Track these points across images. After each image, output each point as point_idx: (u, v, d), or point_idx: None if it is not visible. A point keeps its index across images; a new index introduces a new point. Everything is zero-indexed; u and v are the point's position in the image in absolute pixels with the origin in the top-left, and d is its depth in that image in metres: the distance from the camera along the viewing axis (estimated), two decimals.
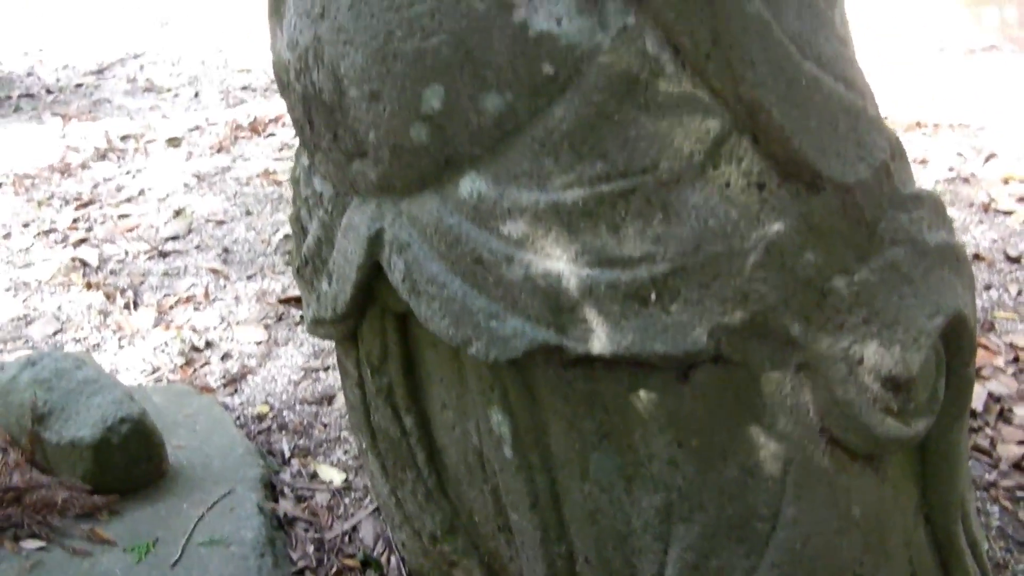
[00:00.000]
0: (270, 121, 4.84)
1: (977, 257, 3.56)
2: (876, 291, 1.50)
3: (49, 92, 5.62)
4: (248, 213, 3.95)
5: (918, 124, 4.84)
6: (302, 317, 3.23)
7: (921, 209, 1.56)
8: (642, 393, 1.50)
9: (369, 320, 1.77)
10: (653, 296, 1.44)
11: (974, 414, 2.69)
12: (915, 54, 5.90)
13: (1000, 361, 2.94)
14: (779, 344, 1.48)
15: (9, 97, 5.63)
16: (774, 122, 1.42)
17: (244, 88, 5.28)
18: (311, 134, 1.64)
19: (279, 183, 4.19)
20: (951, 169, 4.23)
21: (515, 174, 1.45)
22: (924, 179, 4.20)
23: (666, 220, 1.42)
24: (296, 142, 3.95)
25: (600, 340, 1.45)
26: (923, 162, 4.36)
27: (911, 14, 6.53)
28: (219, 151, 4.58)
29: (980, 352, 2.90)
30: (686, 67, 1.42)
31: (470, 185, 1.48)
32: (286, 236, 3.67)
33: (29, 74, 5.95)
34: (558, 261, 1.45)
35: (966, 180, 4.16)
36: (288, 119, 4.76)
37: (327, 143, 1.60)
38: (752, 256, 1.43)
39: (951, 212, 3.91)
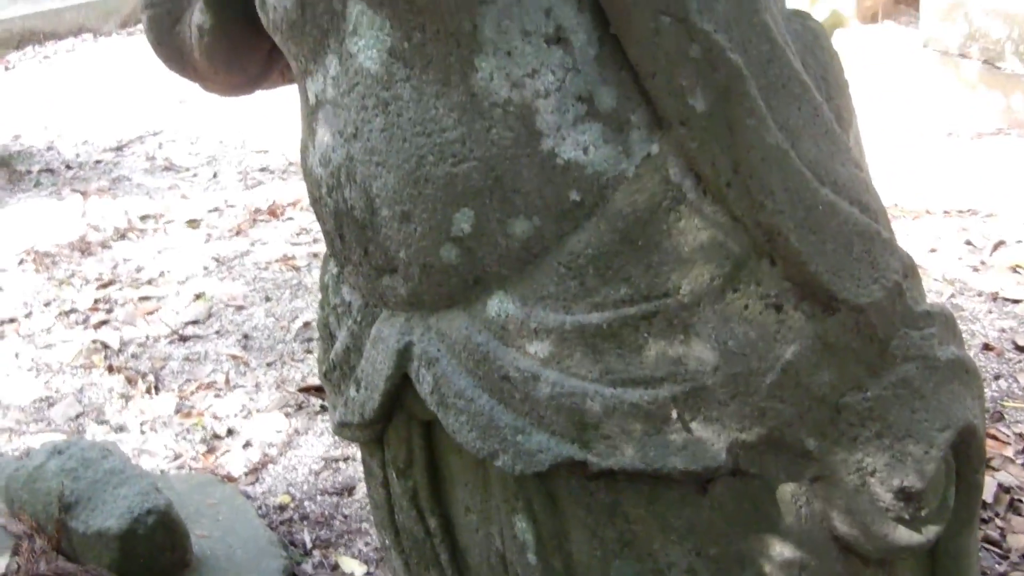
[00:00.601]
0: (288, 205, 4.91)
1: (986, 347, 3.60)
2: (888, 406, 1.55)
3: (69, 168, 5.71)
4: (267, 299, 4.01)
5: (927, 211, 4.89)
6: (322, 406, 3.28)
7: (932, 326, 1.62)
8: (662, 504, 1.55)
9: (395, 425, 1.82)
10: (674, 414, 1.49)
11: (984, 505, 2.72)
12: (922, 138, 5.96)
13: (1010, 451, 2.98)
14: (794, 457, 1.54)
15: (29, 172, 5.71)
16: (792, 247, 1.48)
17: (262, 170, 5.36)
18: (342, 247, 1.70)
19: (297, 268, 4.25)
20: (960, 258, 4.28)
21: (542, 295, 1.51)
22: (933, 268, 4.25)
23: (687, 341, 1.48)
24: (317, 236, 4.01)
25: (623, 455, 1.50)
26: (932, 251, 4.41)
27: (918, 98, 6.60)
28: (238, 234, 4.65)
29: (989, 442, 2.94)
30: (707, 194, 1.48)
31: (498, 305, 1.54)
32: (305, 324, 3.73)
33: (49, 148, 6.04)
34: (583, 380, 1.50)
35: (975, 269, 4.21)
36: (305, 203, 4.84)
37: (358, 257, 1.66)
38: (770, 376, 1.49)
39: (960, 301, 3.96)
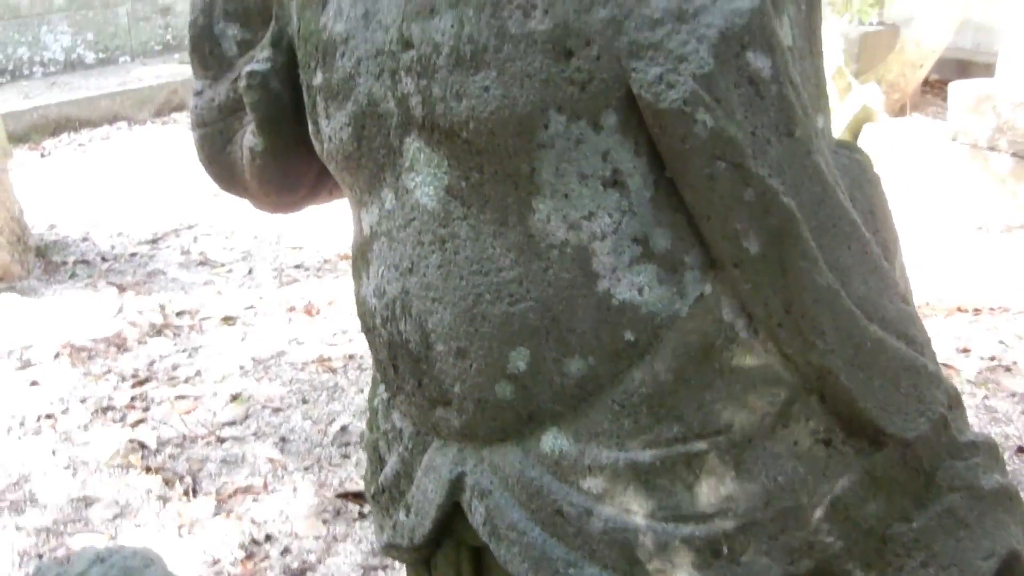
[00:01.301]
0: (323, 305, 4.94)
1: (1020, 450, 3.60)
2: (934, 536, 1.57)
3: (104, 260, 5.76)
4: (304, 401, 4.03)
5: (959, 309, 4.91)
6: (361, 513, 3.29)
7: (976, 455, 1.64)
8: None
9: (444, 550, 1.83)
10: (725, 549, 1.51)
11: None
12: (952, 232, 5.98)
13: None
14: None
15: (65, 263, 5.76)
16: (841, 385, 1.50)
17: (297, 267, 5.40)
18: (395, 377, 1.72)
19: (333, 370, 4.27)
20: (992, 358, 4.29)
21: (595, 432, 1.53)
22: (965, 368, 4.26)
23: (738, 478, 1.50)
24: (352, 337, 4.03)
25: None
26: (965, 351, 4.42)
27: (947, 191, 6.63)
28: (273, 333, 4.68)
29: None
30: (759, 333, 1.51)
31: (552, 441, 1.56)
32: (342, 428, 3.75)
33: (84, 239, 6.10)
34: (635, 516, 1.52)
35: (1008, 369, 4.21)
36: (339, 302, 4.88)
37: (411, 388, 1.68)
38: (819, 510, 1.51)
39: (993, 402, 3.96)
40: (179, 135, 8.52)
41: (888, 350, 1.55)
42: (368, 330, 1.76)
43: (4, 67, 9.54)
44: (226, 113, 2.02)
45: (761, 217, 1.43)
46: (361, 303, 1.77)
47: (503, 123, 1.45)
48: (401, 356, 1.67)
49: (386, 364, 1.73)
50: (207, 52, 2.01)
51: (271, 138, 1.91)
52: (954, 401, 1.65)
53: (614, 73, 1.41)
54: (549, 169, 1.47)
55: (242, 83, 1.87)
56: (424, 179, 1.57)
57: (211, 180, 2.13)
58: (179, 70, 9.96)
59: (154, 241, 5.97)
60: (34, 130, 8.66)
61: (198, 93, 2.06)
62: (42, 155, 8.18)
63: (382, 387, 1.87)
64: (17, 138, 7.91)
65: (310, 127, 1.79)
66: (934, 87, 9.84)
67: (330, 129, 1.70)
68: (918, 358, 1.59)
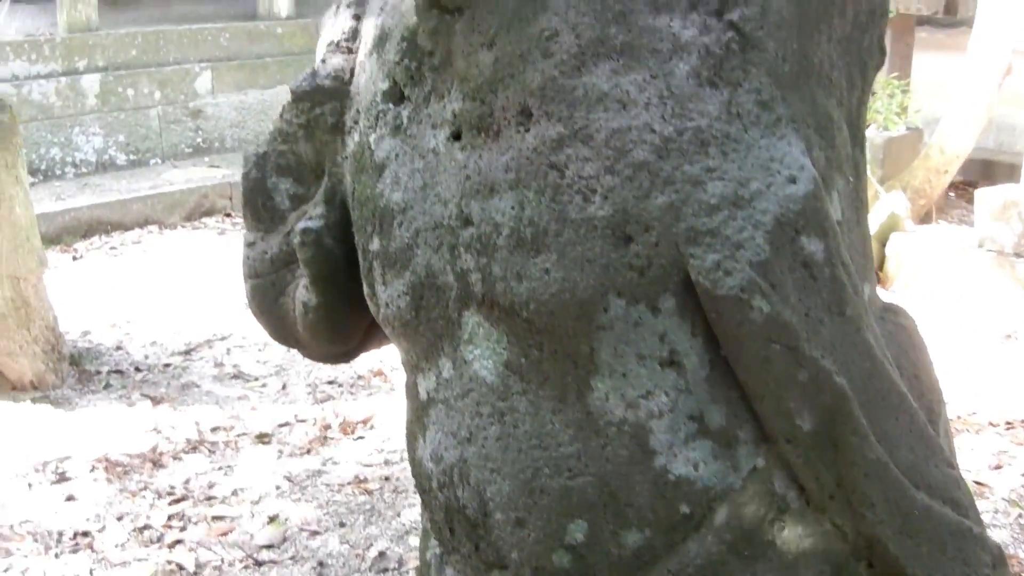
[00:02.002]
0: (358, 423, 4.96)
1: None
2: None
3: (138, 370, 5.79)
4: (341, 524, 4.03)
5: (989, 423, 4.90)
6: None
7: None
8: None
9: None
10: None
11: None
12: (981, 343, 5.98)
13: None
14: None
15: (99, 372, 5.79)
16: (890, 553, 1.53)
17: (330, 382, 5.41)
18: (451, 538, 1.75)
19: (370, 492, 4.28)
20: None
21: None
22: (999, 486, 4.25)
23: None
24: (388, 458, 4.05)
25: None
26: (997, 467, 4.41)
27: (974, 299, 6.64)
28: (308, 452, 4.69)
29: None
30: (810, 504, 1.54)
31: None
32: (380, 553, 3.74)
33: (118, 348, 6.13)
34: None
35: None
36: (375, 421, 4.90)
37: (467, 551, 1.71)
38: None
39: None
40: (209, 240, 8.58)
41: (935, 516, 1.58)
42: (424, 492, 1.79)
43: (36, 167, 9.64)
44: (279, 266, 2.07)
45: (814, 396, 1.47)
46: (417, 464, 1.80)
47: (563, 306, 1.49)
48: (458, 520, 1.70)
49: (442, 526, 1.76)
50: (260, 205, 2.06)
51: (324, 294, 1.95)
52: (998, 560, 1.68)
53: (672, 259, 1.45)
54: (608, 350, 1.50)
55: (296, 240, 1.91)
56: (483, 352, 1.61)
57: (262, 328, 2.15)
58: (209, 174, 10.06)
59: (187, 352, 5.99)
60: (66, 232, 8.73)
61: (250, 244, 2.11)
62: (74, 258, 8.24)
63: (434, 541, 1.90)
64: (49, 240, 7.97)
65: (365, 288, 1.83)
66: (958, 188, 9.87)
67: (387, 296, 1.74)
68: (963, 522, 1.61)
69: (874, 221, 7.37)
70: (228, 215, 9.24)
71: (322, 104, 1.93)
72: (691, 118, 1.44)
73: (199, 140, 10.96)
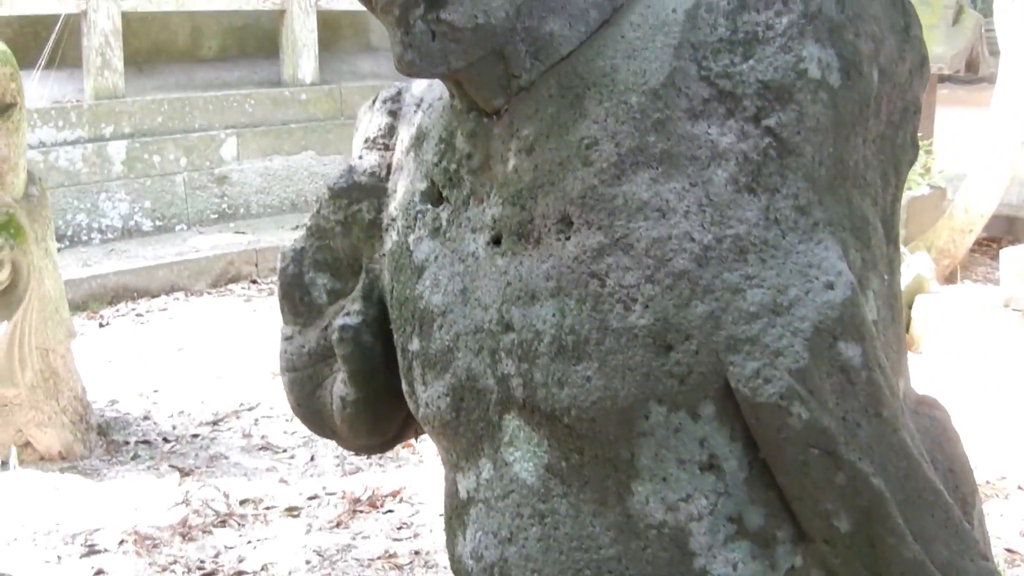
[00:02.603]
0: (387, 496, 4.97)
1: None
2: None
3: (166, 441, 5.82)
4: None
5: (1018, 487, 4.88)
6: None
7: None
8: None
9: None
10: None
11: None
12: (1009, 404, 5.96)
13: None
14: None
15: (127, 443, 5.82)
16: None
17: (358, 455, 5.44)
18: None
19: (400, 567, 4.29)
20: None
21: None
22: None
23: None
24: (418, 531, 4.05)
25: None
26: None
27: (1001, 359, 6.62)
28: (338, 526, 4.70)
29: None
30: None
31: None
32: None
33: (146, 418, 6.16)
34: None
35: None
36: (404, 495, 4.91)
37: None
38: None
39: None
40: (235, 307, 8.64)
41: None
42: None
43: (63, 233, 9.73)
44: (316, 359, 2.08)
45: (852, 498, 1.48)
46: (457, 561, 1.81)
47: (604, 413, 1.50)
48: None
49: None
50: (297, 300, 2.08)
51: (362, 389, 1.97)
52: None
53: (712, 367, 1.46)
54: (648, 455, 1.51)
55: (334, 336, 1.93)
56: (523, 455, 1.63)
57: (286, 387, 2.16)
58: (235, 240, 10.13)
59: (215, 423, 6.02)
60: (92, 298, 8.80)
61: (288, 338, 2.12)
62: (101, 324, 8.30)
63: None
64: (76, 306, 8.03)
65: (404, 386, 1.84)
66: (982, 245, 9.88)
67: (427, 396, 1.75)
68: None
69: (900, 284, 7.37)
70: (254, 282, 9.31)
71: (359, 201, 1.95)
72: (730, 225, 1.46)
73: (224, 206, 11.05)
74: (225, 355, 7.21)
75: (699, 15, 1.51)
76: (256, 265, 9.61)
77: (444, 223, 1.74)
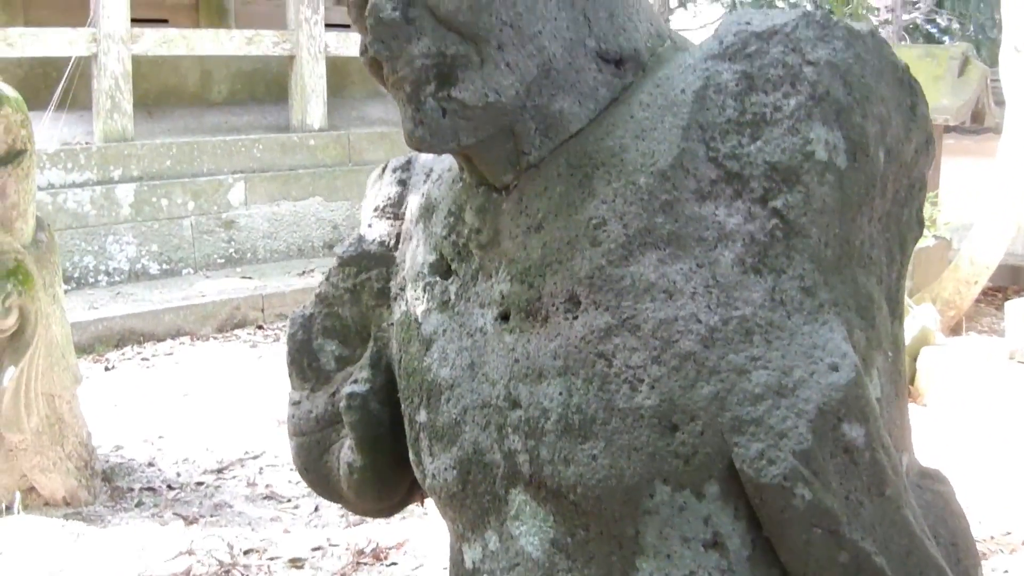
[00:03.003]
0: (390, 548, 4.96)
1: None
2: None
3: (171, 488, 5.82)
4: None
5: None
6: None
7: None
8: None
9: None
10: None
11: None
12: (1015, 458, 5.95)
13: None
14: None
15: (131, 489, 5.82)
16: None
17: None
18: None
19: None
20: None
21: None
22: None
23: None
24: None
25: None
26: None
27: (1007, 413, 6.62)
28: None
29: None
30: None
31: None
32: None
33: (150, 464, 6.16)
34: None
35: None
36: (408, 547, 4.90)
37: None
38: None
39: None
40: (241, 353, 8.65)
41: None
42: None
43: (70, 275, 9.75)
44: (324, 425, 2.10)
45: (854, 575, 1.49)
46: None
47: (610, 491, 1.51)
48: None
49: None
50: (305, 365, 2.09)
51: (369, 456, 1.98)
52: None
53: (717, 447, 1.47)
54: (653, 532, 1.53)
55: (342, 404, 1.95)
56: (529, 529, 1.64)
57: (293, 452, 2.17)
58: (241, 285, 10.15)
59: (220, 471, 6.02)
60: (98, 341, 8.81)
61: (296, 403, 2.14)
62: (106, 368, 8.30)
63: None
64: (82, 349, 8.04)
65: (411, 456, 1.86)
66: (987, 294, 9.89)
67: (434, 467, 1.77)
68: None
69: (905, 335, 7.38)
70: (260, 327, 9.32)
71: (368, 270, 1.97)
72: (736, 307, 1.47)
73: (232, 251, 11.08)
74: (230, 401, 7.21)
75: (708, 96, 1.53)
76: (262, 311, 9.62)
77: (453, 296, 1.76)
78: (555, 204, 1.60)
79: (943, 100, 9.29)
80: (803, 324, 1.48)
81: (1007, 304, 7.62)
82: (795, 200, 1.48)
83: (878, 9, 17.89)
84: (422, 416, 1.79)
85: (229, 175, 11.25)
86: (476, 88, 1.56)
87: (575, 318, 1.55)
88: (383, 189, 2.04)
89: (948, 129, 10.13)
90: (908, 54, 10.26)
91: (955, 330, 8.60)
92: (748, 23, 1.56)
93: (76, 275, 10.07)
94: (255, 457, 6.17)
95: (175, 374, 8.09)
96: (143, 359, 8.60)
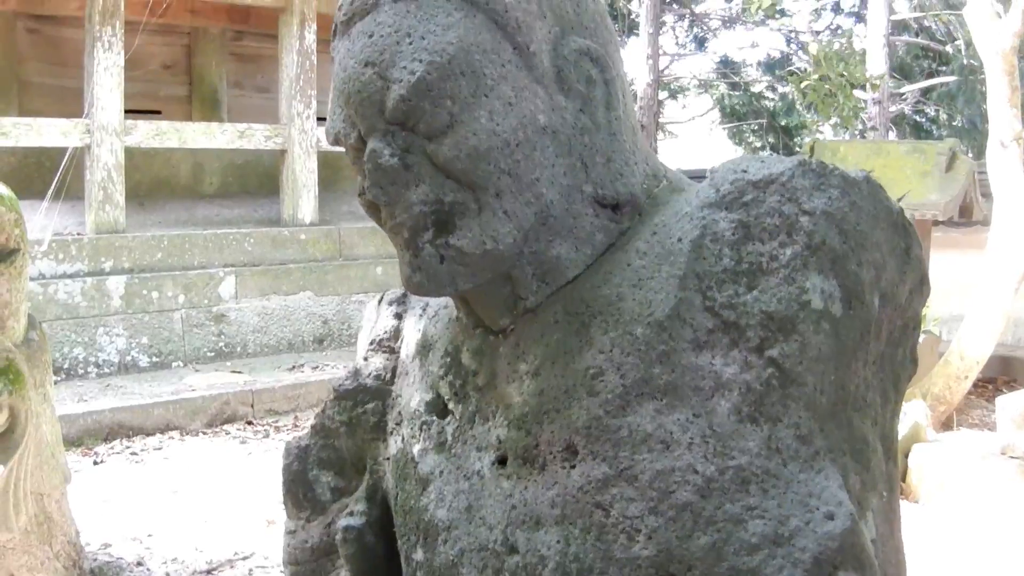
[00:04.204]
0: None
1: None
2: None
3: None
4: None
5: None
6: None
7: None
8: None
9: None
10: None
11: None
12: (1007, 554, 5.93)
13: None
14: None
15: None
16: None
17: None
18: None
19: None
20: None
21: None
22: None
23: None
24: None
25: None
26: None
27: (999, 509, 6.61)
28: None
29: None
30: None
31: None
32: None
33: (139, 564, 6.11)
34: None
35: None
36: None
37: None
38: None
39: None
40: (230, 450, 8.61)
41: None
42: None
43: (60, 366, 9.74)
44: (319, 555, 2.09)
45: None
46: None
47: None
48: None
49: None
50: (301, 496, 2.09)
51: None
52: None
53: None
54: None
55: (338, 537, 1.95)
56: None
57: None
58: (231, 379, 10.13)
59: (209, 572, 5.97)
60: (87, 434, 8.78)
61: (291, 532, 2.13)
62: (95, 462, 8.26)
63: None
64: (70, 441, 8.02)
65: None
66: (978, 387, 9.90)
67: None
68: None
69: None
70: (250, 423, 9.29)
71: (365, 404, 1.98)
72: (732, 456, 1.48)
73: (222, 344, 11.07)
74: (220, 500, 7.18)
75: (704, 245, 1.54)
76: (252, 406, 9.60)
77: (449, 438, 1.76)
78: (552, 351, 1.61)
79: (931, 195, 9.37)
80: (799, 472, 1.49)
81: (998, 400, 7.63)
82: (791, 349, 1.49)
83: (864, 102, 18.06)
84: (418, 555, 1.79)
85: (220, 268, 11.28)
86: (474, 236, 1.57)
87: (572, 467, 1.56)
88: (379, 322, 2.06)
89: (936, 223, 10.21)
90: (896, 150, 10.37)
91: (946, 424, 8.60)
92: (744, 171, 1.58)
93: (65, 366, 10.05)
94: (245, 558, 6.12)
95: (164, 470, 8.05)
96: (132, 453, 8.56)
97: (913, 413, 7.46)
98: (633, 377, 1.53)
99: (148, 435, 8.99)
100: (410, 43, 1.57)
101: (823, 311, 1.50)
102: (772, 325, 1.49)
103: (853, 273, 1.53)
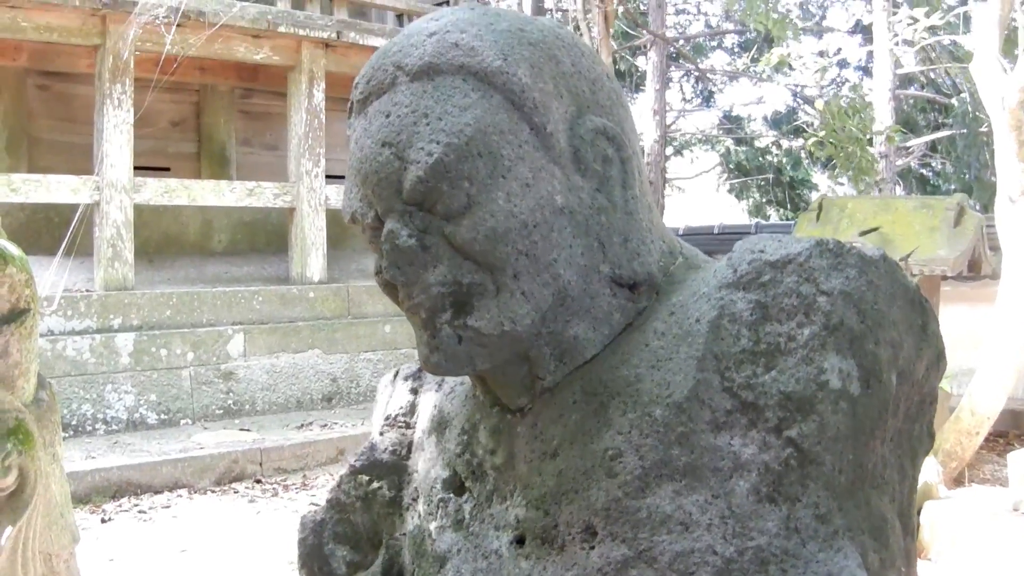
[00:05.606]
0: None
1: None
2: None
3: None
4: None
5: None
6: None
7: None
8: None
9: None
10: None
11: None
12: None
13: None
14: None
15: None
16: None
17: None
18: None
19: None
20: None
21: None
22: None
23: None
24: None
25: None
26: None
27: (1013, 565, 6.57)
28: None
29: None
30: None
31: None
32: None
33: None
34: None
35: None
36: None
37: None
38: None
39: None
40: (239, 508, 8.59)
41: None
42: None
43: (68, 423, 9.74)
44: None
45: None
46: None
47: None
48: None
49: None
50: (316, 570, 2.09)
51: None
52: None
53: None
54: None
55: None
56: None
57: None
58: (240, 437, 10.13)
59: None
60: (95, 492, 8.76)
61: None
62: (103, 520, 8.24)
63: None
64: (78, 499, 7.99)
65: None
66: (989, 440, 9.86)
67: None
68: None
69: None
70: (258, 481, 9.26)
71: (380, 479, 1.98)
72: (751, 537, 1.48)
73: (230, 402, 11.06)
74: (229, 559, 7.15)
75: (722, 325, 1.55)
76: (260, 464, 9.58)
77: (467, 516, 1.76)
78: (571, 432, 1.61)
79: (940, 251, 9.37)
80: (818, 551, 1.48)
81: (1010, 456, 7.61)
82: (809, 429, 1.49)
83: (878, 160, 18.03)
84: None
85: (229, 326, 11.29)
86: (492, 317, 1.58)
87: (592, 548, 1.55)
88: (395, 398, 2.06)
89: (945, 277, 10.20)
90: (904, 205, 10.38)
91: (958, 480, 8.57)
92: (762, 251, 1.58)
93: (74, 423, 10.05)
94: None
95: (172, 528, 8.03)
96: (140, 511, 8.53)
97: (924, 471, 7.44)
98: (652, 459, 1.53)
99: (156, 493, 8.97)
100: (427, 124, 1.58)
101: (841, 391, 1.50)
102: (790, 405, 1.49)
103: (871, 352, 1.53)
